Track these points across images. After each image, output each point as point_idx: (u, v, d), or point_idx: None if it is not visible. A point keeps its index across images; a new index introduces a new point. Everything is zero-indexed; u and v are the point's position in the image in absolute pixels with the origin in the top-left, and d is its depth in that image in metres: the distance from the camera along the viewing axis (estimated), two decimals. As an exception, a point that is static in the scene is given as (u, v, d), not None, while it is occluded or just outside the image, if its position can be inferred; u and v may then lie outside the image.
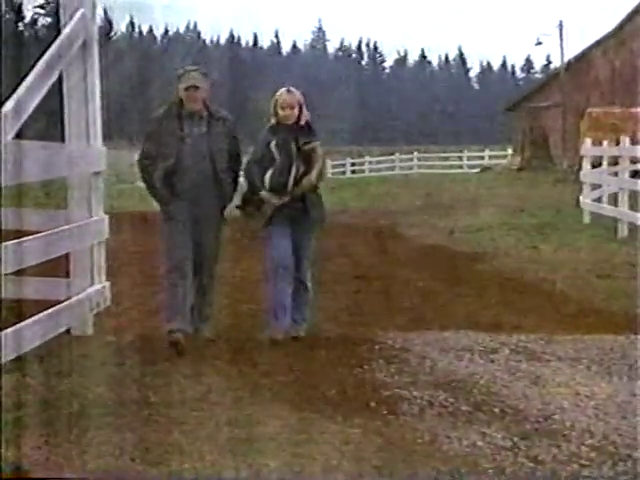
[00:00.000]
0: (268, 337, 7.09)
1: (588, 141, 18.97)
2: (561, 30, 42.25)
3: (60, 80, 7.12)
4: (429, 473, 4.59)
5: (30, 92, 6.57)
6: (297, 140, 7.13)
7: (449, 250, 13.70)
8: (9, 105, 6.36)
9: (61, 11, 7.32)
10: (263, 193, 7.16)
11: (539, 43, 46.49)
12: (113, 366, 6.45)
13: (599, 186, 17.71)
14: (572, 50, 43.58)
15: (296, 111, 7.13)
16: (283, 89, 7.21)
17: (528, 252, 13.44)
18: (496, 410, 5.54)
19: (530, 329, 7.84)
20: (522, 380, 6.21)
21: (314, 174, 7.18)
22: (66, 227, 6.90)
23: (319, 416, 5.38)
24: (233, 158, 7.33)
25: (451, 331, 7.60)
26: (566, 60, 42.82)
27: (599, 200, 17.45)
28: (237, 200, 7.34)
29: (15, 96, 6.45)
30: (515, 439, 5.04)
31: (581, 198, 17.91)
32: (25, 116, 6.54)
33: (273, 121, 7.22)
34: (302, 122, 7.16)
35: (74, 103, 7.20)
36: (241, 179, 7.47)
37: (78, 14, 7.12)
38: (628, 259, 11.95)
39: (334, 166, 51.77)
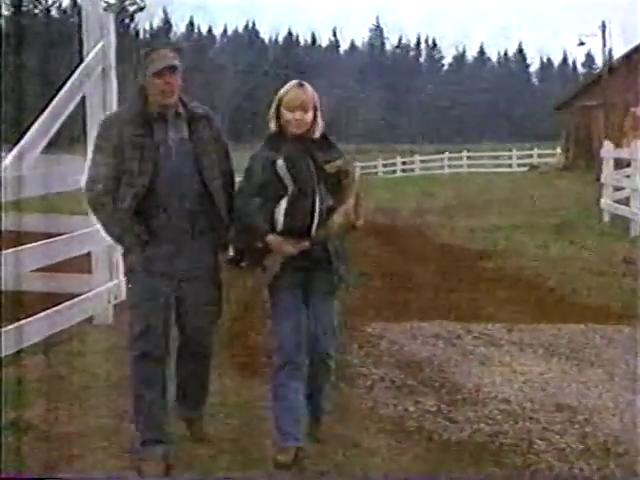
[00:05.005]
0: (273, 458, 4.96)
1: (607, 143, 19.66)
2: (604, 31, 42.68)
3: (83, 102, 8.25)
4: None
5: (56, 112, 7.72)
6: (314, 157, 4.91)
7: (462, 248, 14.44)
8: (37, 124, 7.53)
9: (84, 40, 8.47)
10: (271, 238, 4.87)
11: (582, 43, 47.02)
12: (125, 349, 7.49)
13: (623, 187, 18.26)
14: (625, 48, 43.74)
15: (310, 116, 4.94)
16: (292, 82, 5.02)
17: (536, 250, 14.12)
18: (436, 384, 6.54)
19: (503, 319, 8.73)
20: (472, 361, 7.19)
21: (350, 207, 4.88)
22: (88, 230, 8.01)
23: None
24: (224, 174, 5.07)
25: (428, 321, 8.53)
26: (616, 58, 43.20)
27: (627, 200, 17.89)
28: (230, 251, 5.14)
29: (43, 116, 7.60)
30: (442, 405, 6.05)
31: (602, 199, 18.58)
32: (52, 133, 7.68)
33: (272, 127, 5.01)
34: (316, 133, 4.99)
35: (95, 122, 8.26)
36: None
37: (99, 45, 8.25)
38: (629, 257, 12.70)
39: (384, 165, 52.77)
